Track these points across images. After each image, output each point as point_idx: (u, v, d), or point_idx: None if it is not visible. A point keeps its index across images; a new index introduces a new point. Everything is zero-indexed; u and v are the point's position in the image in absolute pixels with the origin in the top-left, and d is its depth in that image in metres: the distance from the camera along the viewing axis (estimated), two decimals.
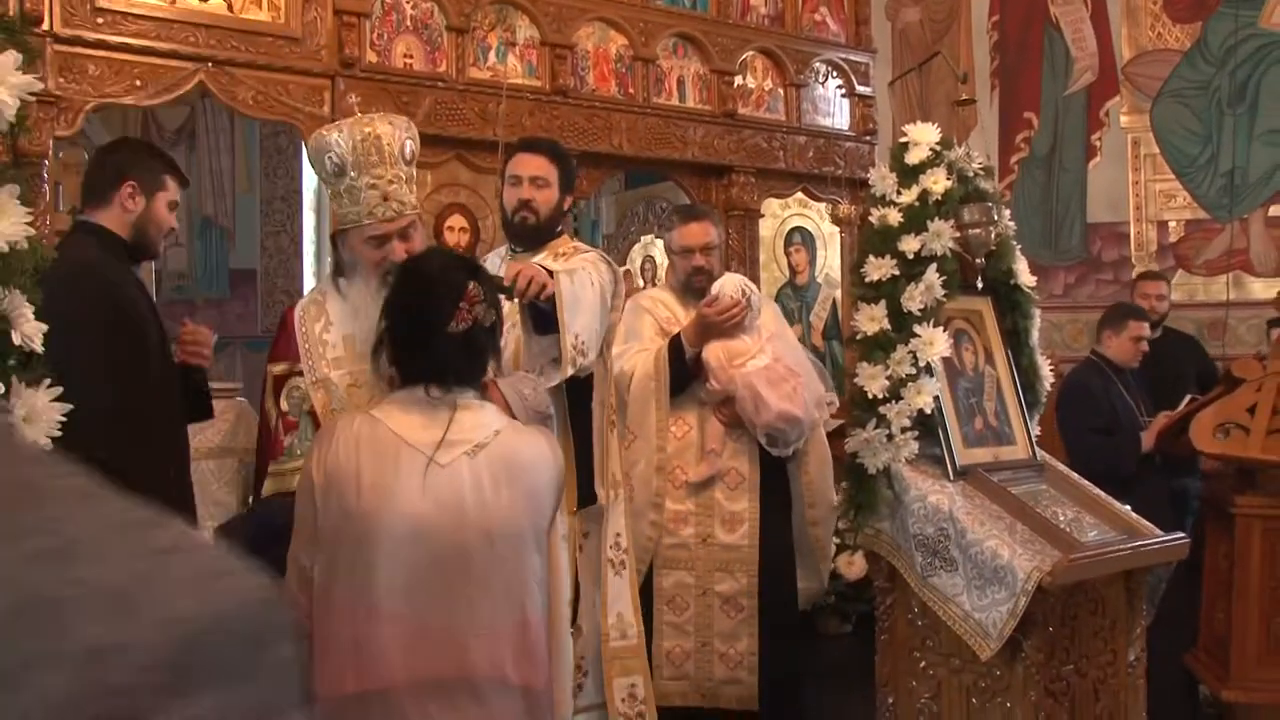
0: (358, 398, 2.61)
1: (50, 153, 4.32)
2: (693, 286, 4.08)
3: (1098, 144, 6.79)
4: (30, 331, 1.79)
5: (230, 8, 4.64)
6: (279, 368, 2.79)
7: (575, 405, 3.23)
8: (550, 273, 2.96)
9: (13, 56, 1.73)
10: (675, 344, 3.95)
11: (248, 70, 4.66)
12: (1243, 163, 6.41)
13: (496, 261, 3.42)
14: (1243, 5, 6.42)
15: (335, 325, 2.73)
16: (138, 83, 4.42)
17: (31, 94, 1.79)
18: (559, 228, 3.61)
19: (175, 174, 3.32)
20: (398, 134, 2.67)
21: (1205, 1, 6.55)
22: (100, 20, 4.32)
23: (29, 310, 1.80)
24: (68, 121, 4.29)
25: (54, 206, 6.11)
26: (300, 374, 2.68)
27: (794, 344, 4.27)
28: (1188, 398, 4.90)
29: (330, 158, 2.63)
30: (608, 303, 3.28)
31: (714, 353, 3.90)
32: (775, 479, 4.03)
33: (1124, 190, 6.72)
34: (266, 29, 4.72)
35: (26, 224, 1.77)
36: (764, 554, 3.94)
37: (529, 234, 3.44)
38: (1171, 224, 6.63)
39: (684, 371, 3.94)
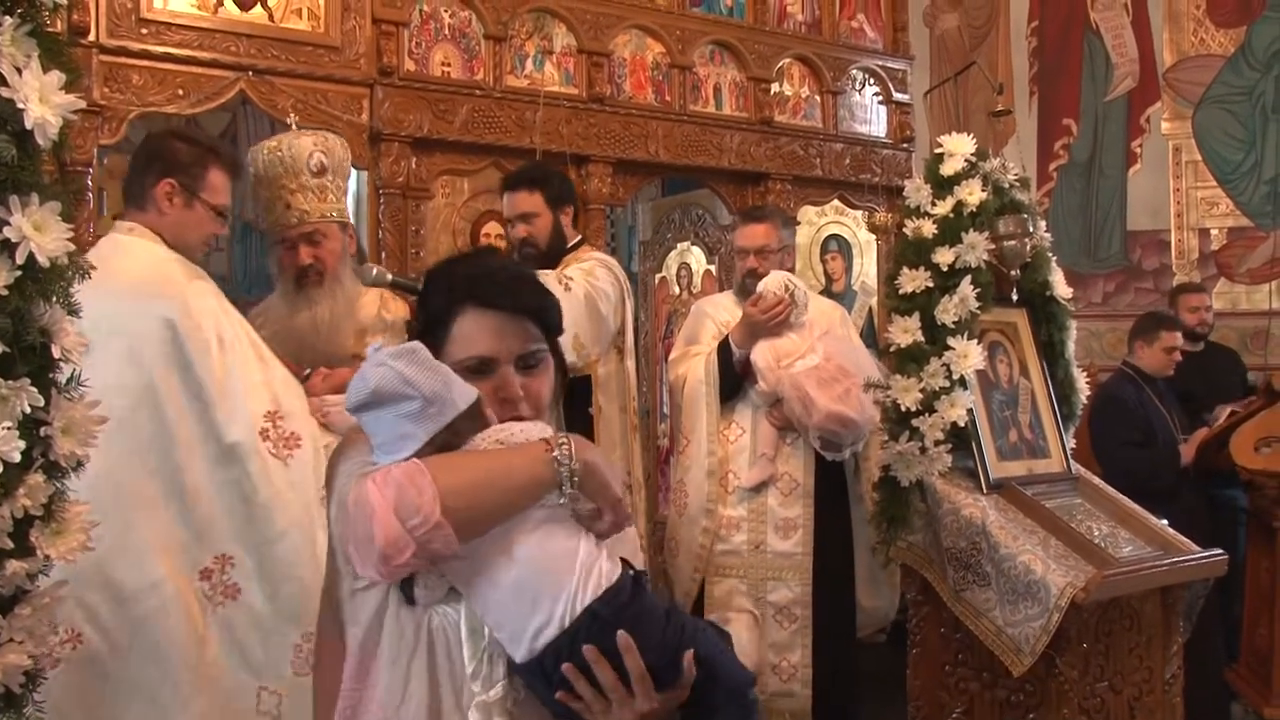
0: None
1: (95, 161, 4.40)
2: (746, 289, 3.99)
3: (1138, 150, 6.72)
4: (70, 345, 1.82)
5: (271, 17, 4.70)
6: None
7: (569, 408, 3.28)
8: None
9: (56, 76, 1.76)
10: (725, 346, 3.89)
11: (287, 79, 4.71)
12: None
13: None
14: None
15: (263, 326, 2.99)
16: (180, 91, 4.49)
17: (77, 109, 1.82)
18: (570, 241, 3.69)
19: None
20: (307, 148, 2.95)
21: (1249, 6, 6.47)
22: (144, 30, 4.39)
23: (69, 324, 1.83)
24: (111, 130, 4.36)
25: (98, 213, 6.22)
26: None
27: (853, 344, 4.08)
28: (1228, 410, 4.84)
29: (250, 174, 2.97)
30: (598, 307, 3.38)
31: (762, 354, 3.81)
32: (832, 485, 3.92)
33: (1165, 197, 6.64)
34: (306, 38, 4.77)
35: (68, 239, 1.80)
36: (819, 562, 3.84)
37: (539, 262, 3.56)
38: (1213, 232, 6.55)
39: (735, 374, 3.87)
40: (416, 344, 1.57)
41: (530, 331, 1.62)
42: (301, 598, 2.61)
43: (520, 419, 1.59)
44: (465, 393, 1.53)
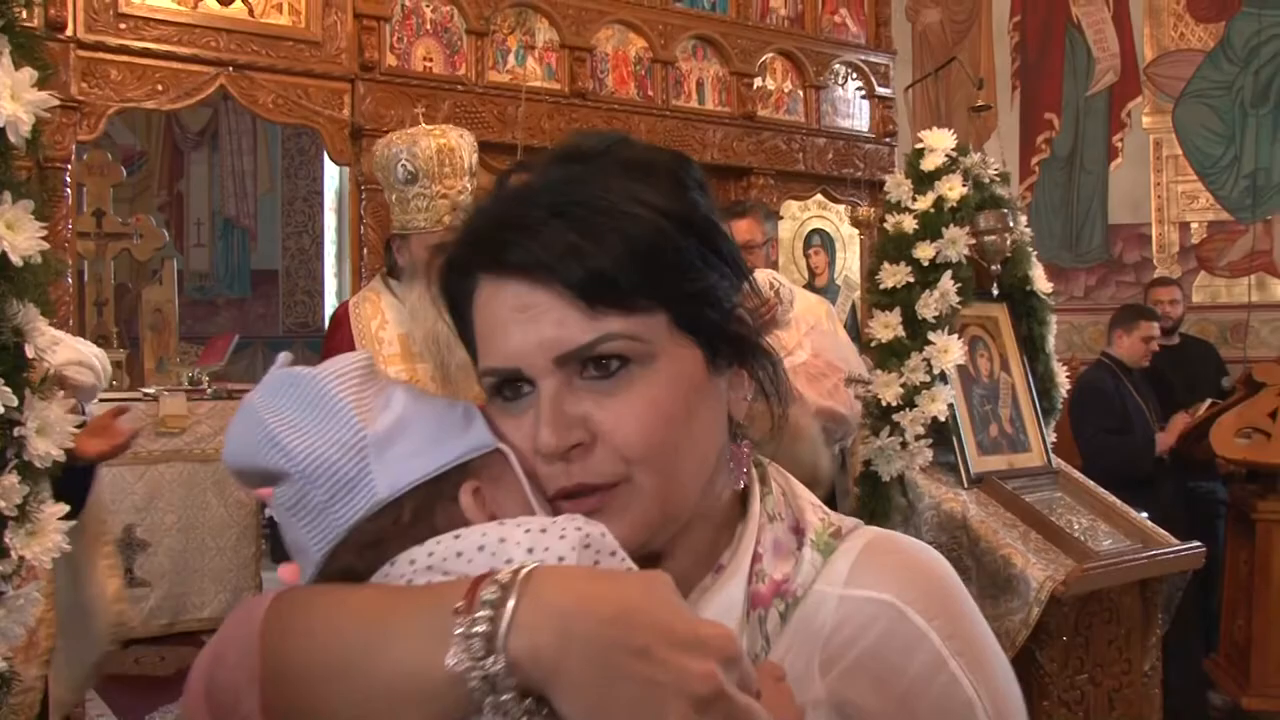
0: None
1: (73, 157, 4.37)
2: None
3: (1119, 145, 6.75)
4: (44, 344, 1.81)
5: (251, 12, 4.67)
6: None
7: None
8: None
9: (29, 73, 1.75)
10: None
11: (268, 74, 4.69)
12: (1266, 164, 6.36)
13: None
14: (1266, 5, 6.37)
15: (390, 324, 2.87)
16: (159, 87, 4.47)
17: (50, 106, 1.81)
18: None
19: None
20: (466, 148, 2.81)
21: (1228, 1, 6.50)
22: (123, 25, 4.36)
23: (43, 323, 1.82)
24: (90, 126, 4.34)
25: (76, 209, 6.19)
26: None
27: (839, 339, 4.09)
28: (1208, 401, 4.87)
29: (404, 165, 2.78)
30: None
31: None
32: None
33: (1146, 191, 6.68)
34: (287, 33, 4.75)
35: (41, 238, 1.79)
36: None
37: None
38: (1194, 225, 6.59)
39: None
40: (345, 360, 0.84)
41: (582, 309, 0.81)
42: None
43: (587, 488, 0.81)
44: (409, 467, 0.79)
